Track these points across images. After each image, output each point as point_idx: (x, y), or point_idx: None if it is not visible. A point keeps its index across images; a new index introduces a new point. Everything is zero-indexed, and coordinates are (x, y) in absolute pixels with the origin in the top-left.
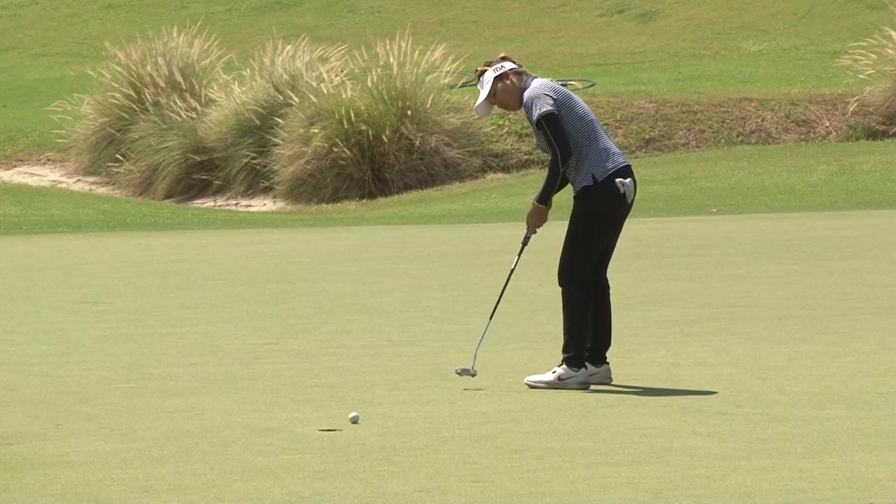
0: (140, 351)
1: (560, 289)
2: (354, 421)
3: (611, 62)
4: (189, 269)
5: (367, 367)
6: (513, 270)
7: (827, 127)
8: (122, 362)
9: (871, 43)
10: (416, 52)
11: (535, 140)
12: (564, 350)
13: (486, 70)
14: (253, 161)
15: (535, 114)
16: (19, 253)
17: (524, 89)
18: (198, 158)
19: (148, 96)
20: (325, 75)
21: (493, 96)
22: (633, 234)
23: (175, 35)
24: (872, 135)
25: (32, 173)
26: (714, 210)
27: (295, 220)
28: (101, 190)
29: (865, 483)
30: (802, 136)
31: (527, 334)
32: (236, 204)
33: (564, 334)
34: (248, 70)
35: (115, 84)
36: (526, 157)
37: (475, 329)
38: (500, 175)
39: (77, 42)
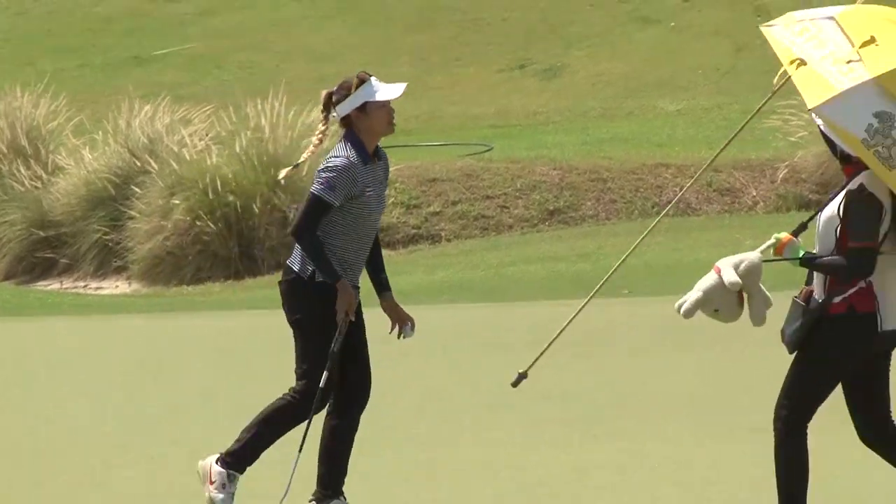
0: None
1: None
2: None
3: (510, 123)
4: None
5: None
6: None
7: (754, 196)
8: None
9: (803, 101)
10: (291, 112)
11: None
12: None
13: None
14: (105, 237)
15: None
16: None
17: None
18: (42, 234)
19: None
20: (187, 139)
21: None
22: (537, 320)
23: (19, 94)
24: (805, 205)
25: None
26: (626, 291)
27: (152, 305)
28: None
29: None
30: (726, 207)
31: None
32: (85, 286)
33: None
34: (100, 133)
35: None
36: (413, 231)
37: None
38: (384, 252)
39: None
